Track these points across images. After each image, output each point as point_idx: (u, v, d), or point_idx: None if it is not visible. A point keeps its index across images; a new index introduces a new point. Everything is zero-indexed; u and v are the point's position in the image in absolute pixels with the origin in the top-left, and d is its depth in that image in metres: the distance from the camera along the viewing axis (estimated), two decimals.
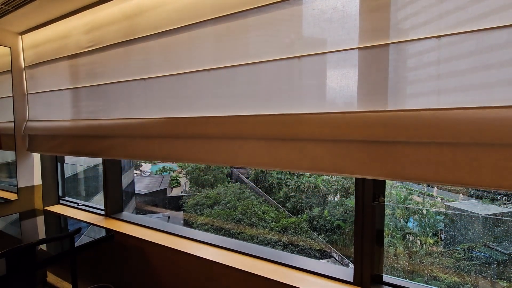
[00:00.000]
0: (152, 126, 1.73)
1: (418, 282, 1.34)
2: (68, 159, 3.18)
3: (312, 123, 1.20)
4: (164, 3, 1.62)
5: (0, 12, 2.09)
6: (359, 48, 1.11)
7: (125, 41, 1.82)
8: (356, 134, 1.10)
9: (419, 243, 8.98)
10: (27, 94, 2.57)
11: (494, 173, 0.90)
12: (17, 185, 2.50)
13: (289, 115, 1.26)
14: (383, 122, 1.04)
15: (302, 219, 12.86)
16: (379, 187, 1.27)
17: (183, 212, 14.74)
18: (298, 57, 1.25)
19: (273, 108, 1.32)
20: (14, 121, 2.49)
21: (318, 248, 11.49)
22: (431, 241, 8.65)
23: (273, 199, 15.46)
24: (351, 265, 1.36)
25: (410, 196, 12.00)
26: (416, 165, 1.02)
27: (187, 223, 13.56)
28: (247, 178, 18.59)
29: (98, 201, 3.93)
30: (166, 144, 1.72)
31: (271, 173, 17.20)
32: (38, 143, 2.51)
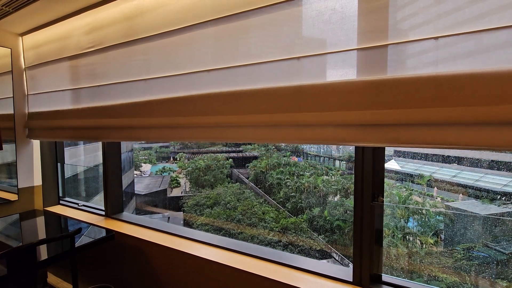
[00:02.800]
0: (153, 106, 1.75)
1: (417, 282, 1.34)
2: (68, 159, 3.18)
3: (313, 94, 1.21)
4: (164, 4, 1.63)
5: (1, 14, 2.10)
6: (358, 49, 1.12)
7: (125, 42, 1.83)
8: (356, 104, 1.11)
9: (419, 243, 8.98)
10: (28, 94, 2.58)
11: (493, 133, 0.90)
12: (17, 186, 2.51)
13: (290, 88, 1.27)
14: (383, 90, 1.05)
15: (302, 220, 12.87)
16: (378, 186, 1.27)
17: (183, 212, 14.74)
18: (298, 58, 1.25)
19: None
20: (14, 122, 2.49)
21: (318, 249, 11.50)
22: (431, 241, 8.65)
23: (273, 199, 15.47)
24: (351, 265, 1.36)
25: (410, 196, 12.02)
26: (416, 130, 1.01)
27: (187, 224, 13.56)
28: (247, 178, 18.60)
29: (98, 201, 3.94)
30: (167, 124, 1.72)
31: (271, 174, 17.21)
32: (38, 132, 2.54)
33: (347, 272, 1.38)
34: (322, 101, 1.18)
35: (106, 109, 1.99)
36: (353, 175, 1.29)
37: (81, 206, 2.61)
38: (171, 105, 1.66)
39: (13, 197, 2.51)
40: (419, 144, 1.02)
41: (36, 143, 2.64)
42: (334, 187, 14.52)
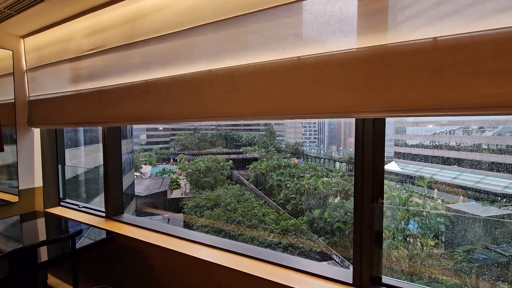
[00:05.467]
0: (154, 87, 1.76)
1: (418, 284, 1.34)
2: (68, 161, 3.19)
3: (312, 66, 1.21)
4: (164, 6, 1.64)
5: (3, 16, 2.11)
6: (357, 49, 1.12)
7: (126, 44, 1.84)
8: (355, 74, 1.10)
9: (419, 245, 8.97)
10: (29, 96, 2.59)
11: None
12: (18, 187, 2.51)
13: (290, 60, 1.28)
14: (382, 59, 1.05)
15: (302, 221, 12.85)
16: (378, 188, 1.28)
17: (183, 214, 14.74)
18: (298, 57, 1.25)
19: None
20: (15, 123, 2.50)
21: (318, 250, 11.47)
22: (432, 243, 8.63)
23: (273, 201, 15.47)
24: (351, 267, 1.36)
25: (411, 198, 12.02)
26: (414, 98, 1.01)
27: (187, 225, 13.55)
28: (247, 179, 18.60)
29: (98, 203, 3.94)
30: (167, 104, 1.72)
31: (271, 175, 17.21)
32: (39, 120, 2.54)
33: (347, 274, 1.38)
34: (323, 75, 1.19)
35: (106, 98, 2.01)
36: (353, 177, 1.30)
37: (81, 207, 2.61)
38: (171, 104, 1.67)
39: (13, 198, 2.51)
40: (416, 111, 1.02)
41: (37, 144, 2.65)
42: (334, 188, 14.52)
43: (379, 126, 1.24)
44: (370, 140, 1.24)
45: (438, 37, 0.97)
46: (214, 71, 1.50)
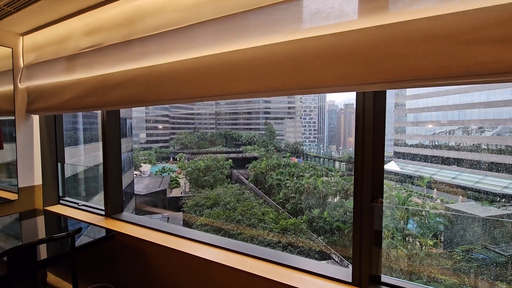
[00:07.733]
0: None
1: (416, 283, 1.34)
2: (68, 159, 3.18)
3: (313, 41, 1.18)
4: (164, 5, 1.63)
5: (2, 14, 2.10)
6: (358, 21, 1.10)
7: (124, 41, 1.83)
8: (355, 50, 1.08)
9: (418, 244, 8.99)
10: (28, 87, 2.58)
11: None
12: (17, 185, 2.51)
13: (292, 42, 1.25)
14: (383, 31, 1.03)
15: (301, 221, 12.87)
16: (377, 188, 1.28)
17: (183, 213, 14.76)
18: (300, 38, 1.24)
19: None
20: (14, 118, 2.50)
21: (317, 250, 11.49)
22: (431, 243, 8.65)
23: (273, 200, 15.48)
24: (351, 267, 1.36)
25: (410, 198, 12.04)
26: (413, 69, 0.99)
27: (187, 224, 13.56)
28: (247, 179, 18.62)
29: (98, 201, 3.94)
30: (167, 85, 1.70)
31: (271, 174, 17.23)
32: (38, 106, 2.51)
33: (346, 273, 1.38)
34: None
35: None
36: (353, 176, 1.29)
37: (81, 205, 2.61)
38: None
39: (13, 196, 2.51)
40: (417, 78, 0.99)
41: (36, 142, 2.64)
42: (334, 188, 14.54)
43: (379, 118, 1.23)
44: (370, 137, 1.23)
45: (439, 9, 0.95)
46: (214, 55, 1.49)
